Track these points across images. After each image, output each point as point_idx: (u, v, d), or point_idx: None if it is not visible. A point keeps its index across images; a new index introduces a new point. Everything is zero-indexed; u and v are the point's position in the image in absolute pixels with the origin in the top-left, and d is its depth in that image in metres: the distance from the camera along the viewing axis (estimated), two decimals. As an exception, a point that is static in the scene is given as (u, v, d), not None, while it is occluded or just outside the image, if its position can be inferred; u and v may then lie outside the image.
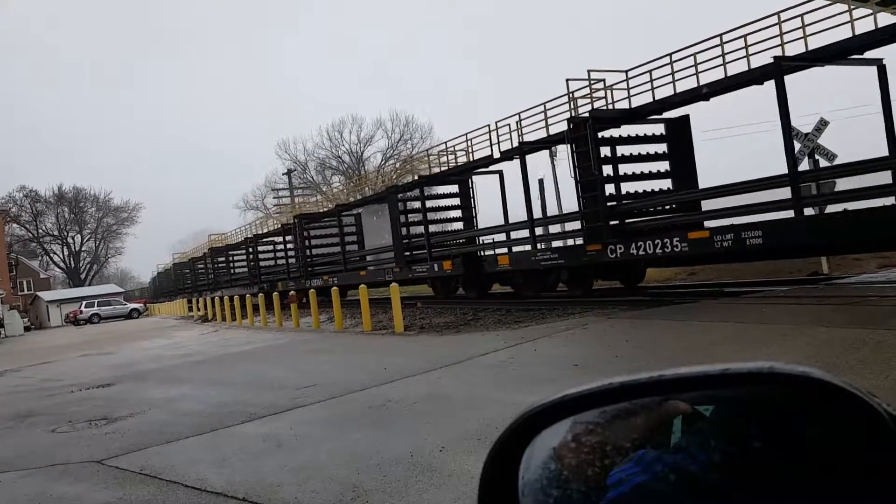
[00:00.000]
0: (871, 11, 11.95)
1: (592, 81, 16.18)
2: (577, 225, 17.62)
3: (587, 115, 15.92)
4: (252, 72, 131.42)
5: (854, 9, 11.95)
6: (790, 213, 12.89)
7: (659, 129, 17.37)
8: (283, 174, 57.04)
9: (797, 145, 18.95)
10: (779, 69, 12.63)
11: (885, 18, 12.03)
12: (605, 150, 16.52)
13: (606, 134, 16.70)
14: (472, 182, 23.21)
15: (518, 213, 20.30)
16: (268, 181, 65.59)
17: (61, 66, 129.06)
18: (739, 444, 0.86)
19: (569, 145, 16.17)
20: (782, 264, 16.13)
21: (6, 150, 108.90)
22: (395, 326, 14.92)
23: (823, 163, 18.09)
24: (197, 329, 26.99)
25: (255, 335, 19.78)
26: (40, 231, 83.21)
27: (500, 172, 20.58)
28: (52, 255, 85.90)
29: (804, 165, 18.48)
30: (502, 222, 21.34)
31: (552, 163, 14.71)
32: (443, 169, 22.28)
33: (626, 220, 16.24)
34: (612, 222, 15.92)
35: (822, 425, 0.82)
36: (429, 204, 23.36)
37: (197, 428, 7.11)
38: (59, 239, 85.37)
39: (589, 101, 16.34)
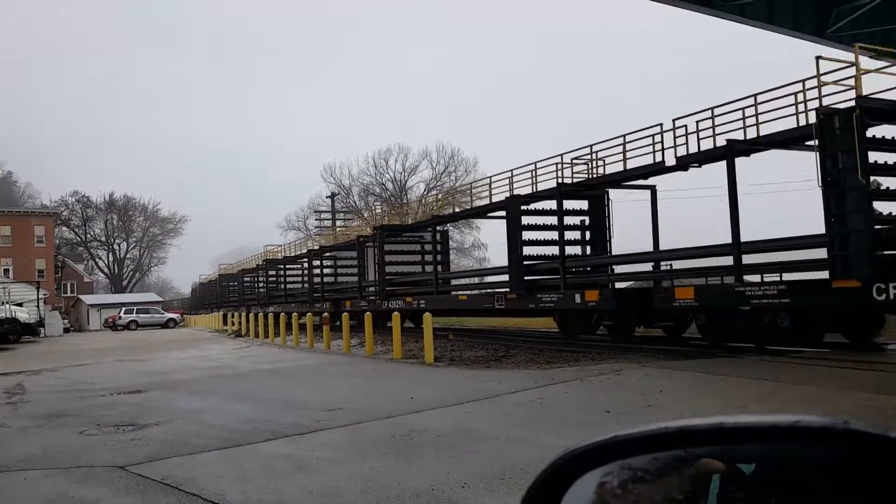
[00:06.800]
0: None
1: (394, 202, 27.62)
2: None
3: (380, 227, 28.38)
4: (310, 97, 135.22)
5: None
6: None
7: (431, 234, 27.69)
8: (327, 197, 57.83)
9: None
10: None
11: None
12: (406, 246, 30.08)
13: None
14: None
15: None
16: (311, 203, 66.47)
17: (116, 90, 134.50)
18: None
19: (373, 243, 28.91)
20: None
21: (65, 159, 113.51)
22: (426, 357, 14.86)
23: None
24: (229, 343, 27.26)
25: (286, 354, 19.89)
26: (88, 236, 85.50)
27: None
28: (97, 259, 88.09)
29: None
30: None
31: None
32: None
33: (388, 288, 27.70)
34: (387, 288, 27.64)
35: None
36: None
37: (221, 442, 7.11)
38: (106, 245, 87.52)
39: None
